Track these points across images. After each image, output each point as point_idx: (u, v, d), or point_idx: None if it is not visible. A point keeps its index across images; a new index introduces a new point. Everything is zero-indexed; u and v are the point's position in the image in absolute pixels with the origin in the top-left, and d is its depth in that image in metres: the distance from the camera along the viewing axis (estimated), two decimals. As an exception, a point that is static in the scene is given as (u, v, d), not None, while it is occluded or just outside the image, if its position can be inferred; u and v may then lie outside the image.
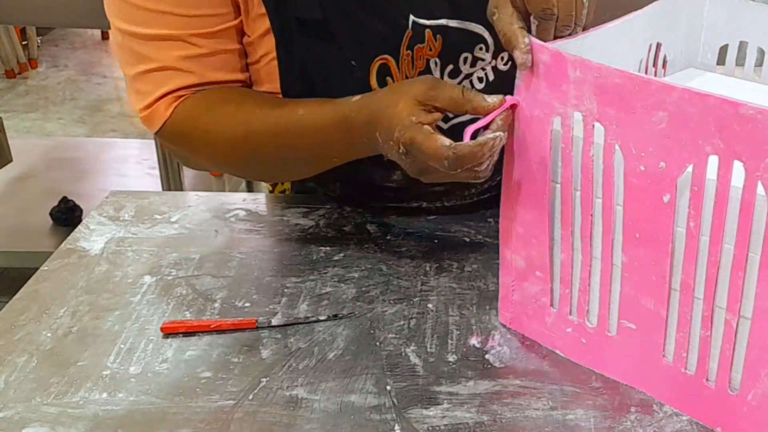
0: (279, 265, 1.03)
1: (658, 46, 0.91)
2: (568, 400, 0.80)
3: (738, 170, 0.65)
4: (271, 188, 1.28)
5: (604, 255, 0.78)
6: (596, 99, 0.71)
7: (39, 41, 4.61)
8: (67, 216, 2.39)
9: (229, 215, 1.14)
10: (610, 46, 0.82)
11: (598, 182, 0.75)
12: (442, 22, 0.98)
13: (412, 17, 0.97)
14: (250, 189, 2.61)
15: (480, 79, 1.03)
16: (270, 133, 0.94)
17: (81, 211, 2.39)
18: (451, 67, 1.01)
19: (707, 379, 0.75)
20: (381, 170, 1.07)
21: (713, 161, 0.66)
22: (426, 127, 0.79)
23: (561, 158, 0.77)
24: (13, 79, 4.37)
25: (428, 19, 0.97)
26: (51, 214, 2.41)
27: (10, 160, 2.54)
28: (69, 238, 1.10)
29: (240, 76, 1.02)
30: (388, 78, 0.99)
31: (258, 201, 1.20)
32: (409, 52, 0.98)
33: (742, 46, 0.92)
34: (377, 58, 0.98)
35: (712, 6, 0.93)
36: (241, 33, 1.01)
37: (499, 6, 0.79)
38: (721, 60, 0.94)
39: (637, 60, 0.88)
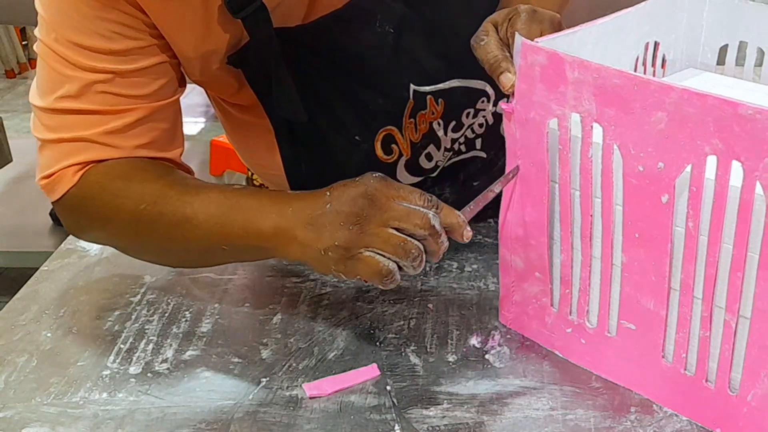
0: (279, 265, 1.02)
1: (656, 44, 0.91)
2: (568, 400, 0.80)
3: (736, 170, 0.65)
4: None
5: (604, 255, 0.78)
6: (595, 99, 0.71)
7: (39, 41, 4.61)
8: (67, 216, 2.38)
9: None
10: (602, 42, 0.82)
11: (597, 183, 0.75)
12: (443, 85, 0.98)
13: (412, 86, 0.97)
14: (250, 189, 2.60)
15: (480, 125, 1.04)
16: (171, 219, 0.85)
17: (81, 211, 2.39)
18: (453, 123, 1.01)
19: (707, 380, 0.75)
20: None
21: (712, 161, 0.66)
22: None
23: (559, 159, 0.77)
24: (13, 79, 4.37)
25: (429, 84, 0.97)
26: (51, 214, 2.41)
27: (10, 160, 2.54)
28: (69, 238, 1.10)
29: (167, 154, 0.92)
30: (394, 145, 0.99)
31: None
32: (411, 120, 0.98)
33: (742, 47, 0.92)
34: (381, 130, 0.98)
35: (712, 6, 0.92)
36: (177, 108, 0.94)
37: (488, 33, 0.80)
38: (721, 60, 0.94)
39: (633, 57, 0.88)
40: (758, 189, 0.64)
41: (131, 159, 0.89)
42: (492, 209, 0.87)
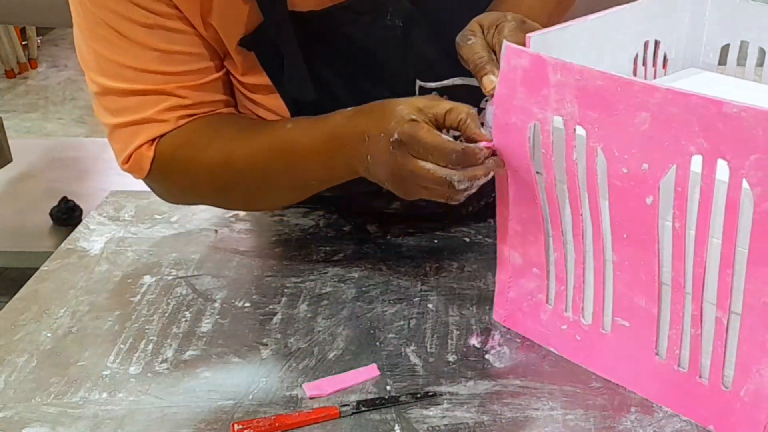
0: (279, 265, 1.03)
1: (657, 43, 0.91)
2: (568, 400, 0.79)
3: (722, 168, 0.65)
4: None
5: (596, 253, 0.78)
6: (577, 102, 0.71)
7: (39, 41, 4.62)
8: (67, 216, 2.39)
9: (229, 215, 1.14)
10: (597, 38, 0.82)
11: (583, 184, 0.75)
12: (448, 82, 0.98)
13: (418, 82, 0.97)
14: (250, 189, 2.61)
15: (483, 124, 1.03)
16: (249, 158, 0.92)
17: (81, 211, 2.39)
18: None
19: (700, 376, 0.75)
20: (380, 201, 1.08)
21: (697, 161, 0.66)
22: (425, 125, 0.78)
23: (543, 162, 0.77)
24: (13, 79, 4.37)
25: (434, 81, 0.98)
26: (51, 214, 2.41)
27: (10, 160, 2.54)
28: (69, 238, 1.10)
29: (223, 110, 0.99)
30: None
31: (258, 201, 1.20)
32: None
33: (743, 46, 0.92)
34: None
35: (714, 5, 0.92)
36: (226, 78, 0.99)
37: (475, 33, 0.81)
38: (723, 60, 0.94)
39: (631, 55, 0.88)
40: (745, 185, 0.64)
41: (190, 122, 0.96)
42: (492, 209, 0.87)
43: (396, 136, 0.78)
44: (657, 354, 0.77)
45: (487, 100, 1.01)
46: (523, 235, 0.84)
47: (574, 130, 0.73)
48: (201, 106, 0.96)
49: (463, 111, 0.78)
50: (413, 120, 0.78)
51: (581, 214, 0.77)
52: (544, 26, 0.82)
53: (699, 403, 0.75)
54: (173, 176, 0.97)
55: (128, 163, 0.97)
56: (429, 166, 0.77)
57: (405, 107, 0.79)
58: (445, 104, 0.79)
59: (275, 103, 0.96)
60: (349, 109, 0.86)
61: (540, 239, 0.82)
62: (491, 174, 0.79)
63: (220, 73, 0.97)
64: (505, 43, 0.76)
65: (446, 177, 0.77)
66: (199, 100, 0.96)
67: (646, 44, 0.89)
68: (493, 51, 0.80)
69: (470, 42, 0.80)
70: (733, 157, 0.64)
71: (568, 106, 0.72)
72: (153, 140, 0.95)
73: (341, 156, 0.86)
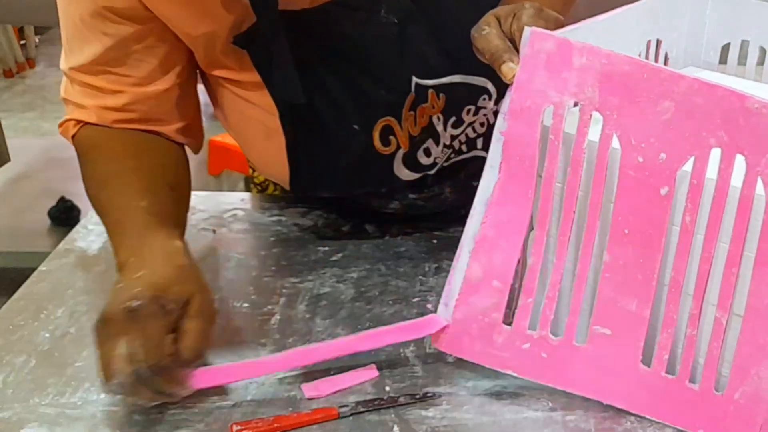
0: (277, 266, 1.02)
1: (659, 42, 0.90)
2: (568, 401, 0.79)
3: (738, 166, 0.65)
4: (273, 188, 1.28)
5: (583, 255, 0.76)
6: (599, 86, 0.70)
7: (37, 40, 4.62)
8: (65, 216, 2.39)
9: (227, 215, 1.14)
10: (604, 38, 0.81)
11: (589, 175, 0.74)
12: (445, 80, 0.98)
13: (414, 79, 0.97)
14: (248, 189, 2.61)
15: (482, 124, 1.03)
16: (106, 203, 0.94)
17: (79, 210, 2.39)
18: (454, 119, 1.01)
19: (690, 381, 0.73)
20: (378, 200, 1.08)
21: (715, 154, 0.66)
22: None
23: (548, 150, 0.75)
24: (11, 78, 4.37)
25: (431, 78, 0.97)
26: (49, 213, 2.41)
27: (8, 160, 2.54)
28: (67, 238, 1.10)
29: (157, 128, 1.00)
30: (392, 137, 0.99)
31: (256, 200, 1.20)
32: (411, 112, 0.98)
33: (744, 45, 0.92)
34: (380, 121, 0.98)
35: (715, 5, 0.92)
36: (182, 96, 1.00)
37: (490, 24, 0.80)
38: (723, 59, 0.94)
39: (635, 54, 0.88)
40: (759, 189, 0.64)
41: (117, 132, 0.99)
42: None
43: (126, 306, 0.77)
44: (641, 362, 0.75)
45: (484, 98, 1.01)
46: (493, 241, 0.79)
47: (590, 116, 0.71)
48: (140, 113, 0.98)
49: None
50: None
51: (574, 211, 0.75)
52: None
53: (687, 409, 0.74)
54: (80, 162, 1.01)
55: (61, 127, 1.03)
56: (122, 349, 0.76)
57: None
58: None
59: (269, 101, 0.96)
60: (171, 246, 0.85)
61: (515, 244, 0.78)
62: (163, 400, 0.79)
63: (172, 85, 0.98)
64: (527, 28, 0.74)
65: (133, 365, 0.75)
66: (140, 108, 0.98)
67: (648, 44, 0.89)
68: (511, 40, 0.79)
69: (485, 33, 0.79)
70: (751, 153, 0.64)
71: (588, 91, 0.70)
72: (80, 121, 1.01)
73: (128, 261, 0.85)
